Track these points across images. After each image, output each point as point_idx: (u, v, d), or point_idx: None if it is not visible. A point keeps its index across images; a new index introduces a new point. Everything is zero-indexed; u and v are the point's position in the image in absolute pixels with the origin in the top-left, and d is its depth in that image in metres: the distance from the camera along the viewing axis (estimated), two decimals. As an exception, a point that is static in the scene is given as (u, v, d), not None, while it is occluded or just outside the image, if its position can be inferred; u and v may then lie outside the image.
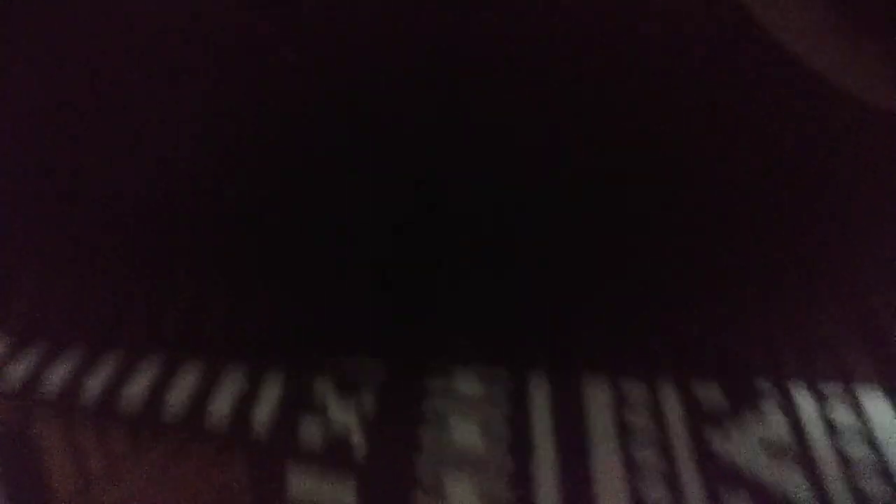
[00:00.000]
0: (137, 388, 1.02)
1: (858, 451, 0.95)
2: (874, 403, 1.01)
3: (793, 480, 0.90)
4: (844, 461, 0.93)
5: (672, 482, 0.90)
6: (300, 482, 0.90)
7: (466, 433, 0.96)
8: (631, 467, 0.92)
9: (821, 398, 1.02)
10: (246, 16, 0.78)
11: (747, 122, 0.79)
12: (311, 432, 0.96)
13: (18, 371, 1.04)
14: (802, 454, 0.94)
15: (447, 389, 1.02)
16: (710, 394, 1.02)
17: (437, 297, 0.96)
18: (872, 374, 1.01)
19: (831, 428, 0.98)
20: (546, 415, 0.99)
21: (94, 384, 1.02)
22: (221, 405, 1.00)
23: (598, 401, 1.01)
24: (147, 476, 0.91)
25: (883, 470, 0.92)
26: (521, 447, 0.94)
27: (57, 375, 1.03)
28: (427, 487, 0.90)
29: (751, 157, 0.84)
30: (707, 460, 0.93)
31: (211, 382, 1.03)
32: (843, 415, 1.00)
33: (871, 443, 0.96)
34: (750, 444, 0.95)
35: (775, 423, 0.98)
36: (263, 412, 0.99)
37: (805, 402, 1.01)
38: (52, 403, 1.00)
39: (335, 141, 0.80)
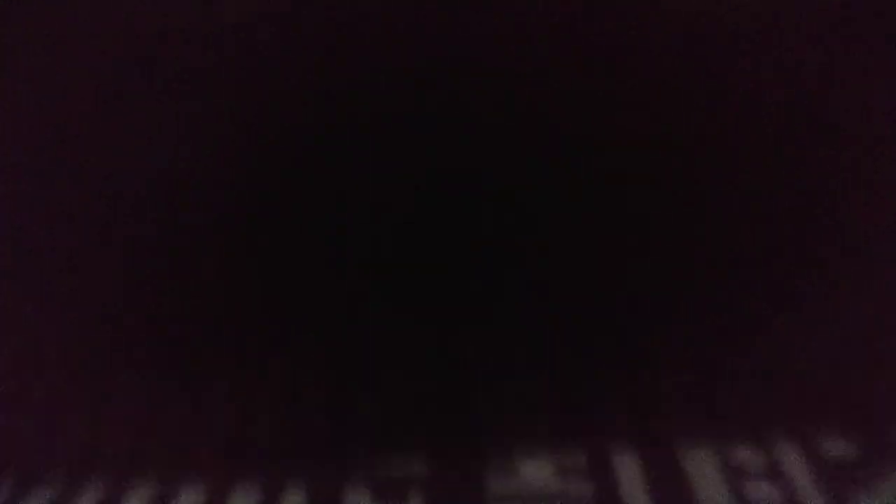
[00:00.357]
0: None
1: None
2: None
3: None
4: None
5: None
6: None
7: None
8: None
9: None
10: (246, 17, 0.75)
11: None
12: None
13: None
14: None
15: (512, 482, 0.82)
16: (839, 447, 0.82)
17: (485, 368, 0.80)
18: None
19: None
20: (642, 499, 0.79)
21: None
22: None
23: (703, 472, 0.80)
24: None
25: None
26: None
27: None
28: None
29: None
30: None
31: (216, 501, 0.82)
32: None
33: None
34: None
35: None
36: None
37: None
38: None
39: (336, 154, 0.75)
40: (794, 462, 0.81)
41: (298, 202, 0.79)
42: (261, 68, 0.74)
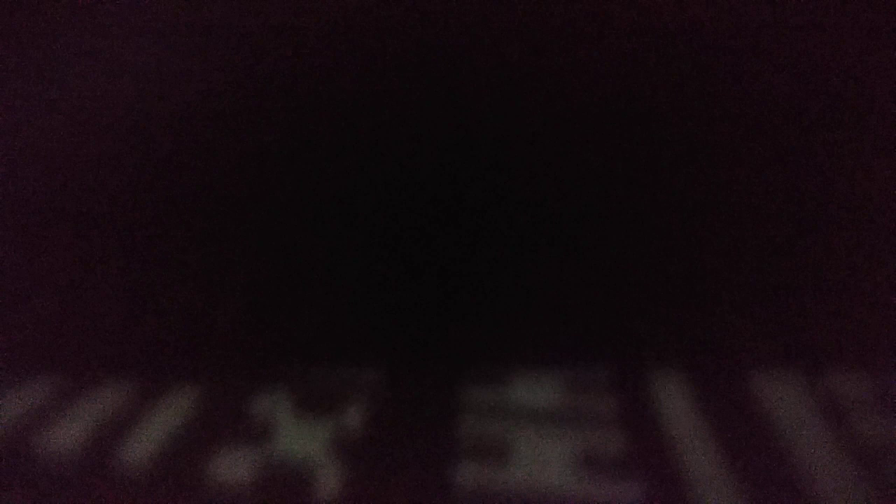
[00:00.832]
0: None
1: None
2: None
3: None
4: None
5: None
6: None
7: (555, 467, 0.51)
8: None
9: None
10: (244, 20, 0.73)
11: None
12: (233, 470, 0.51)
13: None
14: None
15: (501, 405, 0.57)
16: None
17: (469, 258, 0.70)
18: None
19: None
20: (692, 425, 0.53)
21: None
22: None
23: (782, 400, 0.54)
24: None
25: None
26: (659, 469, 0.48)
27: None
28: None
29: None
30: None
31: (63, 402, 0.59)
32: None
33: None
34: None
35: None
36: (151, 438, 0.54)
37: None
38: None
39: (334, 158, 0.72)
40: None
41: (296, 203, 0.76)
42: (259, 68, 0.74)
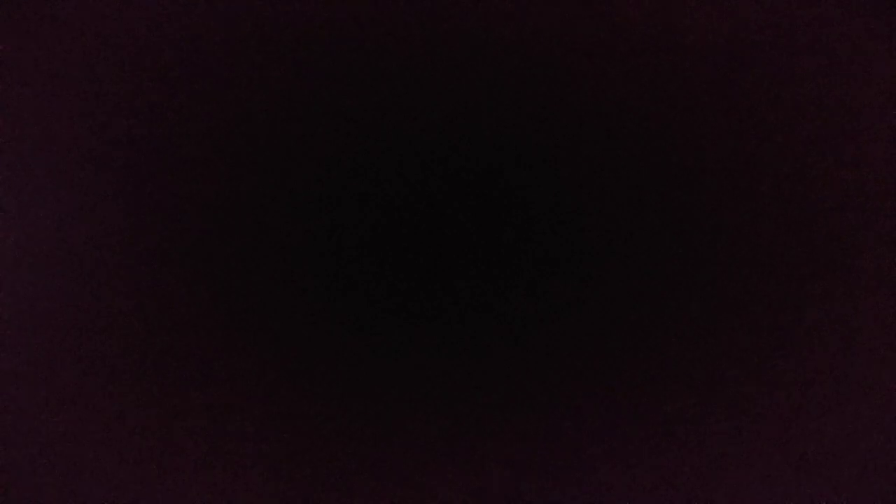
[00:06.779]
0: None
1: None
2: None
3: None
4: None
5: None
6: None
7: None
8: None
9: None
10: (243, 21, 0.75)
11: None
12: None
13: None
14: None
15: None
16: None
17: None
18: None
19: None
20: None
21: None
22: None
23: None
24: None
25: None
26: None
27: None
28: None
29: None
30: None
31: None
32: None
33: None
34: None
35: None
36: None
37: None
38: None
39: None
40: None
41: (293, 204, 0.77)
42: (256, 66, 0.74)
